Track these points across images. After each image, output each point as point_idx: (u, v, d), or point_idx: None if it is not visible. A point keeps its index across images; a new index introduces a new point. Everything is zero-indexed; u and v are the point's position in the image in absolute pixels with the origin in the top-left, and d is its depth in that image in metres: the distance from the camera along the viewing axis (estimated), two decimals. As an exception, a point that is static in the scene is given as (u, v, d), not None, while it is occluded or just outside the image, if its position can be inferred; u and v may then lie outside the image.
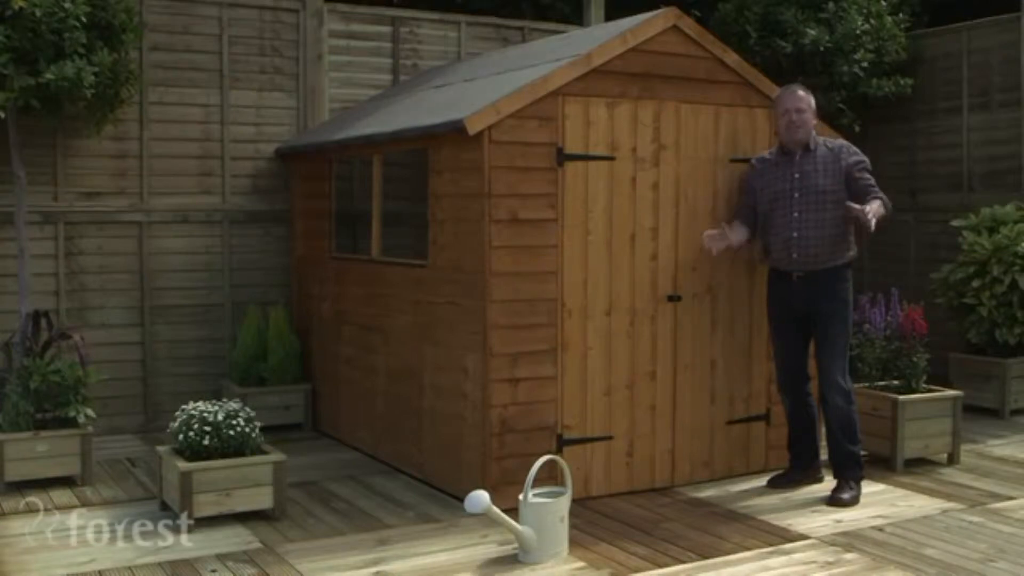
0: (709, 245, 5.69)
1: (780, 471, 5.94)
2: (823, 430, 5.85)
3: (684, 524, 5.23)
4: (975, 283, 7.75)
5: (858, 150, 5.73)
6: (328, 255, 7.14)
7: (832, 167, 5.61)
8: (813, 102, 5.72)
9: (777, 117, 5.74)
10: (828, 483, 5.78)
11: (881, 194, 5.55)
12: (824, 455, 5.88)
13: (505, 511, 4.65)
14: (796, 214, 5.60)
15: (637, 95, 5.65)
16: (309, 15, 7.77)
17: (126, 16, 6.53)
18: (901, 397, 6.19)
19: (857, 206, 5.39)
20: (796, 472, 5.88)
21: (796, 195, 5.62)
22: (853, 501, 5.53)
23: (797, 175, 5.64)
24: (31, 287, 6.69)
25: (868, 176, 5.63)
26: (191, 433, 5.20)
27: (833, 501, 5.53)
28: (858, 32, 8.22)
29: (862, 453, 5.83)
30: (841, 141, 5.75)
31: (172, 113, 7.38)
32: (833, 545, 4.91)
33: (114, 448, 6.76)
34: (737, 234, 5.71)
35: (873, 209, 5.35)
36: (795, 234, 5.60)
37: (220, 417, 5.24)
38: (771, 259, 5.80)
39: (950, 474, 6.19)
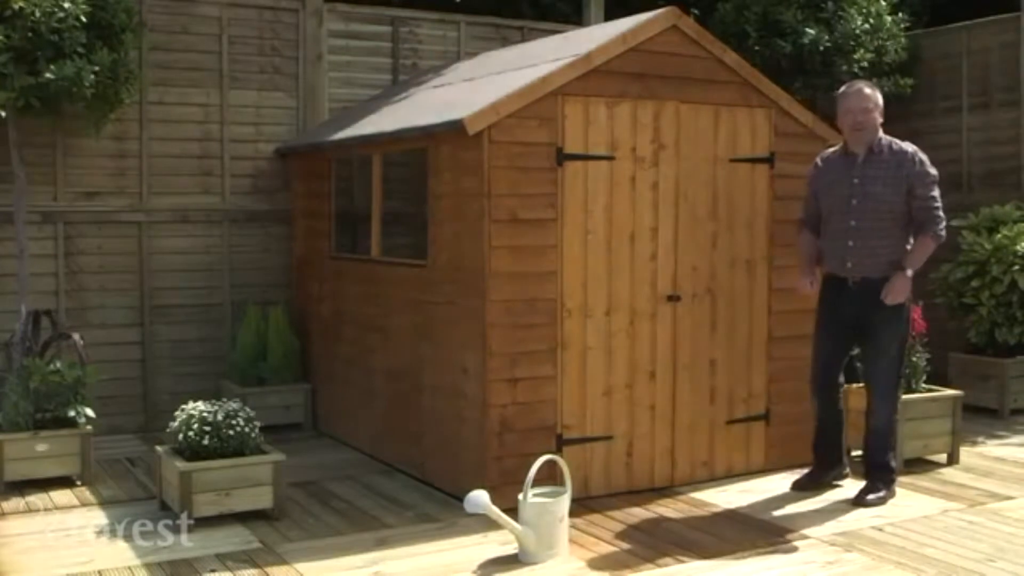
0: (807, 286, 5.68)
1: (804, 473, 5.87)
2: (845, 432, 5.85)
3: (684, 524, 5.23)
4: (975, 283, 7.75)
5: (925, 159, 5.46)
6: (328, 255, 7.14)
7: (894, 176, 5.39)
8: (880, 99, 5.50)
9: (840, 116, 5.52)
10: (849, 486, 5.77)
11: (935, 224, 5.39)
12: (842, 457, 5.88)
13: (505, 511, 4.65)
14: (853, 223, 5.41)
15: (637, 95, 5.65)
16: (309, 15, 7.77)
17: (126, 16, 6.53)
18: (901, 397, 6.19)
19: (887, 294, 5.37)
20: (820, 473, 5.82)
21: (854, 202, 5.42)
22: (877, 502, 5.50)
23: (857, 180, 5.43)
24: (31, 287, 6.69)
25: (930, 195, 5.39)
26: (191, 433, 5.20)
27: (856, 500, 5.51)
28: (858, 32, 8.21)
29: (859, 453, 5.83)
30: (908, 147, 5.50)
31: (172, 113, 7.38)
32: (833, 545, 4.91)
33: (114, 448, 6.76)
34: (815, 246, 5.69)
35: (896, 288, 5.34)
36: (850, 243, 5.44)
37: (220, 417, 5.24)
38: (825, 264, 5.65)
39: (950, 474, 6.18)
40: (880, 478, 5.61)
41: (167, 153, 7.36)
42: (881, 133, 5.54)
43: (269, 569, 4.61)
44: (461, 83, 6.57)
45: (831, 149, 5.77)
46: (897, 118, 9.21)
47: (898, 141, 5.56)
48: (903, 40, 8.68)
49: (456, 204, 5.56)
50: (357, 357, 6.71)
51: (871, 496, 5.53)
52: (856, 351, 5.80)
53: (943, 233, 5.46)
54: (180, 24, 7.39)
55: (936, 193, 5.45)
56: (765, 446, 6.14)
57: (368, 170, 6.50)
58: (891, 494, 5.61)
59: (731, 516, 5.37)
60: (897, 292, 5.37)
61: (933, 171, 5.49)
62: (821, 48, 8.13)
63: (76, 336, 6.17)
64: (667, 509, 5.48)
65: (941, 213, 5.45)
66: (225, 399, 5.48)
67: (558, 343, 5.49)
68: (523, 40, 8.26)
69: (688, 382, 5.87)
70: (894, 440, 5.70)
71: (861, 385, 6.10)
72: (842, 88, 5.67)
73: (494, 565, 4.66)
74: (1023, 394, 7.80)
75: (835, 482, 5.83)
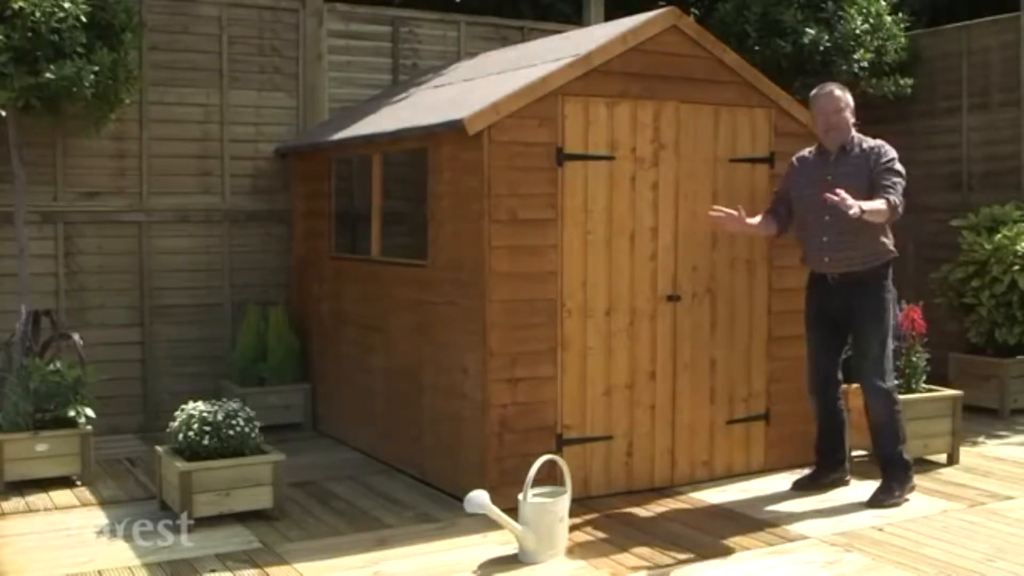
0: (719, 224, 5.58)
1: (805, 473, 5.87)
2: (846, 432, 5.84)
3: (684, 524, 5.23)
4: (975, 283, 7.75)
5: (891, 150, 5.54)
6: (328, 255, 7.14)
7: (864, 170, 5.46)
8: (850, 99, 5.61)
9: (813, 118, 5.68)
10: (853, 486, 5.78)
11: (891, 194, 5.36)
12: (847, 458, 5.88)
13: (505, 511, 4.65)
14: (827, 217, 5.44)
15: (637, 95, 5.65)
16: (309, 15, 7.77)
17: (126, 16, 6.53)
18: (901, 397, 6.17)
19: (831, 196, 5.20)
20: (822, 474, 5.82)
21: None
22: (892, 504, 5.48)
23: (830, 177, 5.48)
24: (31, 287, 6.69)
25: (891, 176, 5.42)
26: (191, 433, 5.20)
27: (871, 502, 5.50)
28: (858, 32, 8.21)
29: (862, 453, 5.82)
30: (876, 142, 5.58)
31: (172, 113, 7.38)
32: (833, 545, 4.91)
33: (114, 448, 6.76)
34: (763, 227, 5.69)
35: (838, 193, 5.16)
36: (825, 238, 5.50)
37: (220, 417, 5.25)
38: (806, 261, 5.73)
39: (950, 474, 6.18)
40: (894, 476, 5.58)
41: (167, 153, 7.36)
42: (854, 132, 5.62)
43: (269, 569, 4.61)
44: (461, 83, 6.57)
45: (807, 150, 5.82)
46: (897, 118, 9.25)
47: (869, 139, 5.62)
48: (903, 40, 8.68)
49: (456, 204, 5.56)
50: (357, 357, 6.70)
51: (884, 497, 5.51)
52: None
53: (896, 203, 5.34)
54: (180, 24, 7.39)
55: (896, 180, 5.42)
56: (765, 446, 6.14)
57: (368, 170, 6.51)
58: (907, 493, 5.57)
59: (731, 516, 5.37)
60: (835, 196, 5.16)
61: (899, 166, 5.50)
62: (821, 48, 8.12)
63: (76, 336, 6.17)
64: (667, 509, 5.48)
65: (897, 195, 5.36)
66: (225, 399, 5.48)
67: (558, 343, 5.49)
68: (523, 40, 8.26)
69: (688, 382, 5.87)
70: (902, 433, 5.63)
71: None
72: (814, 91, 5.74)
73: (494, 565, 4.66)
74: (1023, 394, 7.80)
75: (836, 485, 5.82)
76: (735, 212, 5.56)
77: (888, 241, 5.58)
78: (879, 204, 5.32)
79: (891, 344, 5.67)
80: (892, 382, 5.65)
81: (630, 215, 5.66)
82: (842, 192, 5.18)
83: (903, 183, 5.48)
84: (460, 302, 5.53)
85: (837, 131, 5.55)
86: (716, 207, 5.64)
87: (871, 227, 5.44)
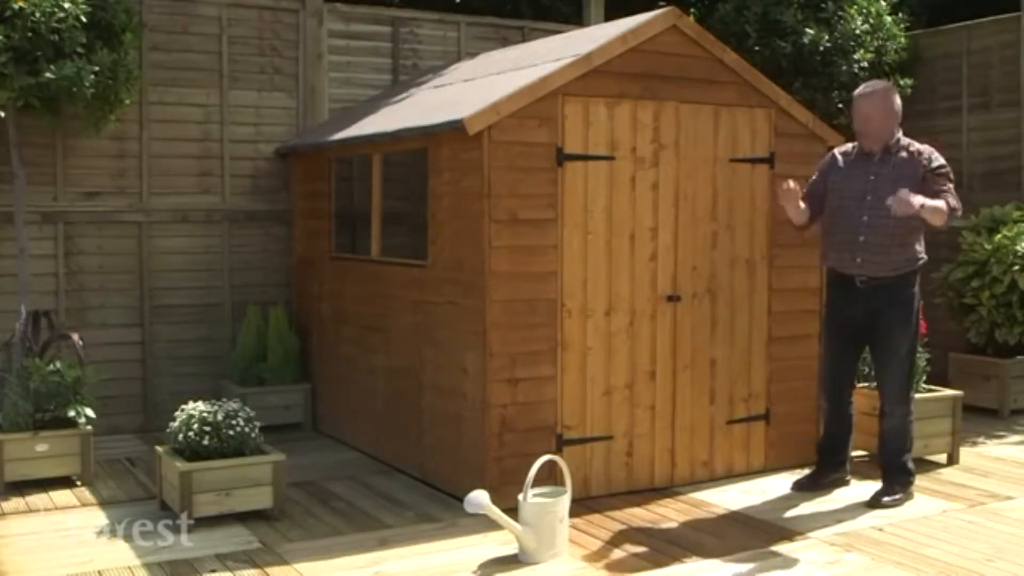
0: (783, 199, 5.47)
1: (805, 473, 5.88)
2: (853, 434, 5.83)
3: (684, 524, 5.23)
4: (975, 283, 7.75)
5: (941, 157, 5.45)
6: (328, 255, 7.14)
7: (910, 174, 5.35)
8: (898, 101, 5.50)
9: (860, 116, 5.48)
10: (853, 486, 5.78)
11: (950, 198, 5.27)
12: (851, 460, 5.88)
13: (505, 511, 4.65)
14: (865, 218, 5.37)
15: (637, 95, 5.65)
16: (309, 15, 7.77)
17: (126, 16, 6.53)
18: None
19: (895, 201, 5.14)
20: (823, 475, 5.81)
21: (868, 198, 5.38)
22: (893, 504, 5.48)
23: (873, 177, 5.41)
24: (31, 287, 6.69)
25: (945, 181, 5.34)
26: (191, 433, 5.20)
27: (872, 502, 5.49)
28: (858, 32, 8.21)
29: (861, 453, 5.80)
30: (926, 147, 5.48)
31: (172, 113, 7.38)
32: (833, 545, 4.91)
33: (114, 448, 6.76)
34: (801, 213, 5.55)
35: (901, 197, 5.10)
36: (861, 238, 5.39)
37: (220, 417, 5.25)
38: (831, 260, 5.60)
39: (950, 474, 6.18)
40: (897, 480, 5.58)
41: (167, 153, 7.36)
42: (900, 134, 5.52)
43: (269, 569, 4.61)
44: (461, 83, 6.57)
45: (848, 145, 5.72)
46: (897, 118, 9.23)
47: (916, 143, 5.52)
48: (903, 40, 8.69)
49: (456, 204, 5.56)
50: (357, 357, 6.71)
51: (887, 499, 5.50)
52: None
53: (956, 207, 5.30)
54: (180, 24, 7.39)
55: (949, 187, 5.37)
56: (765, 446, 6.14)
57: (368, 170, 6.51)
58: (908, 496, 5.58)
59: (731, 516, 5.37)
60: (901, 202, 5.11)
61: (947, 167, 5.45)
62: (821, 48, 8.13)
63: (75, 336, 6.17)
64: (667, 509, 5.48)
65: (955, 200, 5.33)
66: (225, 399, 5.48)
67: (558, 343, 5.49)
68: (523, 40, 8.27)
69: (688, 382, 5.87)
70: (910, 442, 5.64)
71: (865, 386, 6.11)
72: (860, 88, 5.60)
73: (494, 565, 4.66)
74: (1023, 394, 7.80)
75: (836, 485, 5.81)
76: (793, 186, 5.43)
77: (921, 247, 5.49)
78: (940, 203, 5.23)
79: (916, 351, 5.62)
80: (914, 392, 5.63)
81: (630, 215, 5.66)
82: (900, 194, 5.10)
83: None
84: (460, 302, 5.53)
85: (881, 134, 5.42)
86: (789, 181, 5.50)
87: (912, 232, 5.38)
